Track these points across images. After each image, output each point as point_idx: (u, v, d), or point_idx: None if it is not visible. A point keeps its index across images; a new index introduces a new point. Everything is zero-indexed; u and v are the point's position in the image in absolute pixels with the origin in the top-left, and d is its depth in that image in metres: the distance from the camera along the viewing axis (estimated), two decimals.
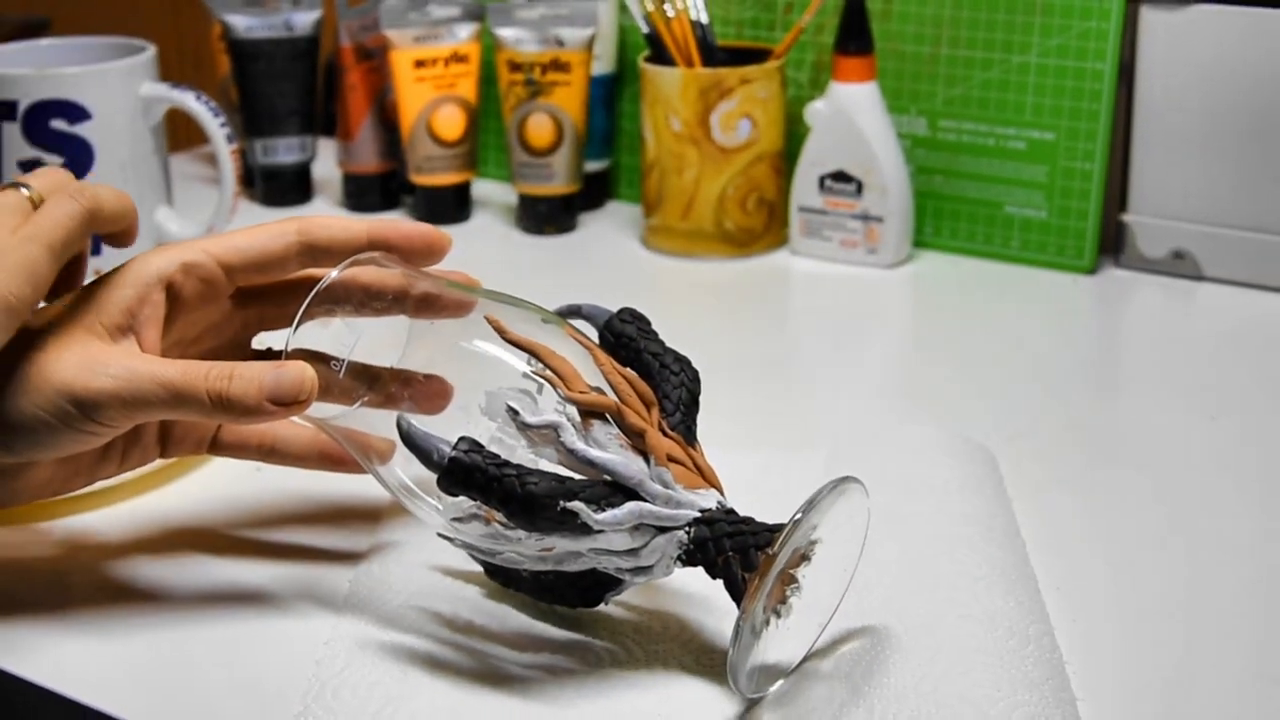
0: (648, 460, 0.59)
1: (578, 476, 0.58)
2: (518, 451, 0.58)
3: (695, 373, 0.64)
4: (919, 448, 0.74)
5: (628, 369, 0.62)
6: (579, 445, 0.58)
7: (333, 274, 0.62)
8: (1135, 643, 0.62)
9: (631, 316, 0.65)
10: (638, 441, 0.59)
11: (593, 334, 0.65)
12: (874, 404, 0.88)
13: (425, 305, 0.63)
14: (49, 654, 0.62)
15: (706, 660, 0.61)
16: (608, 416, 0.59)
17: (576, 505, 0.57)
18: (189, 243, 0.64)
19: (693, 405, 0.63)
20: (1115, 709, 0.58)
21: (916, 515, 0.68)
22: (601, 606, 0.63)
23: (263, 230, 0.65)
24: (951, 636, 0.59)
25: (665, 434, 0.60)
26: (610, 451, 0.58)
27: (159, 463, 0.70)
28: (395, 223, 0.66)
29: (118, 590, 0.67)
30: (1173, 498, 0.75)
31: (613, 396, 0.60)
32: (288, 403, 0.59)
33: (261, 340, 0.69)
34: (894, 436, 0.77)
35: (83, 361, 0.60)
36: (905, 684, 0.57)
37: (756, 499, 0.61)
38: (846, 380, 0.91)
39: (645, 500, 0.58)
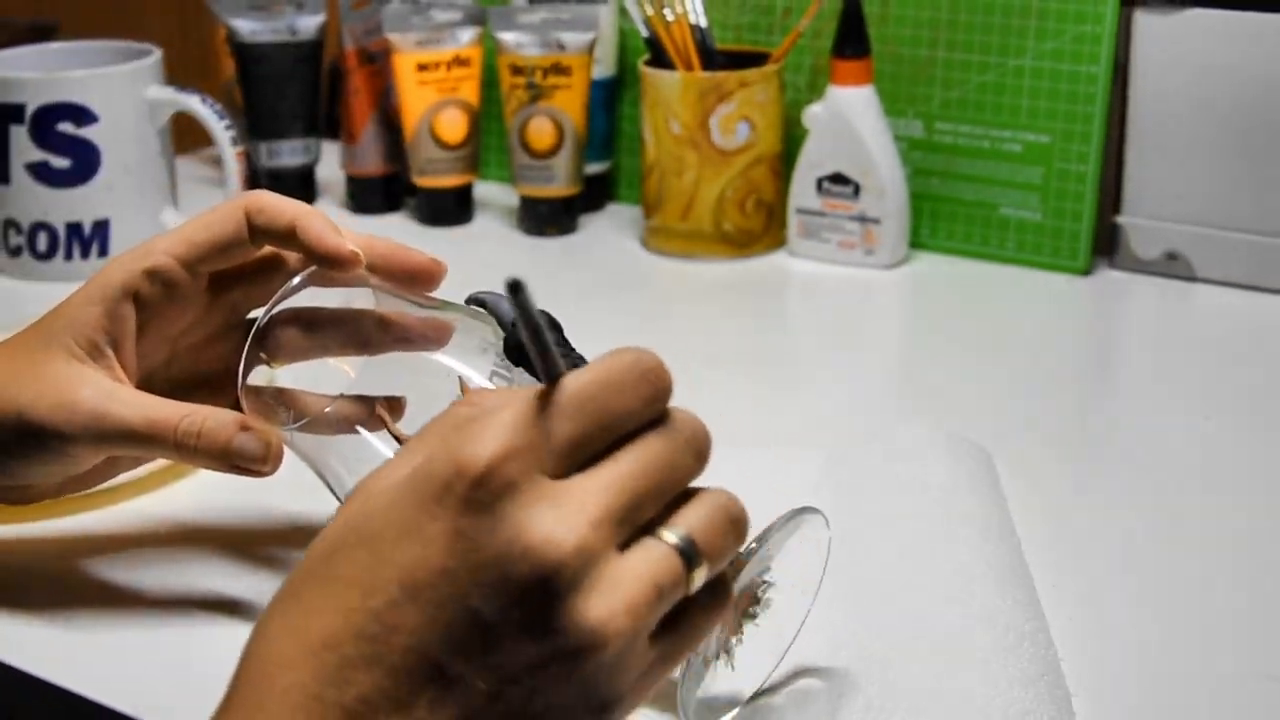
0: None
1: None
2: None
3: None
4: (916, 447, 0.74)
5: None
6: None
7: (295, 281, 0.61)
8: (1130, 639, 0.62)
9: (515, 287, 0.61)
10: None
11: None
12: (871, 403, 0.88)
13: (384, 330, 0.63)
14: (50, 648, 0.62)
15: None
16: None
17: None
18: (146, 245, 0.63)
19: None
20: (1110, 705, 0.58)
21: (914, 514, 0.68)
22: None
23: (210, 218, 0.63)
24: (949, 633, 0.59)
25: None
26: None
27: (159, 463, 0.71)
28: (313, 216, 0.62)
29: (119, 587, 0.67)
30: (1167, 496, 0.75)
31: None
32: (251, 462, 0.60)
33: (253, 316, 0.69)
34: (891, 436, 0.77)
35: (57, 402, 0.60)
36: (903, 680, 0.56)
37: (752, 497, 0.61)
38: (844, 380, 0.91)
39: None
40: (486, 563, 0.41)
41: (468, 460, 0.41)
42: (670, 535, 0.43)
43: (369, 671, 0.41)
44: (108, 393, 0.60)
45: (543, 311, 0.60)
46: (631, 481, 0.43)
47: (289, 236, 0.62)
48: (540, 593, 0.41)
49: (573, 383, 0.43)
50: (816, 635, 0.60)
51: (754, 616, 0.57)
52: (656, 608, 0.42)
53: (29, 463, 0.61)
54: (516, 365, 0.60)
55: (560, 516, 0.41)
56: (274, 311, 0.61)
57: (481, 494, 0.41)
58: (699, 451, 0.45)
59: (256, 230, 0.62)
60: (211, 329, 0.66)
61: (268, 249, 0.64)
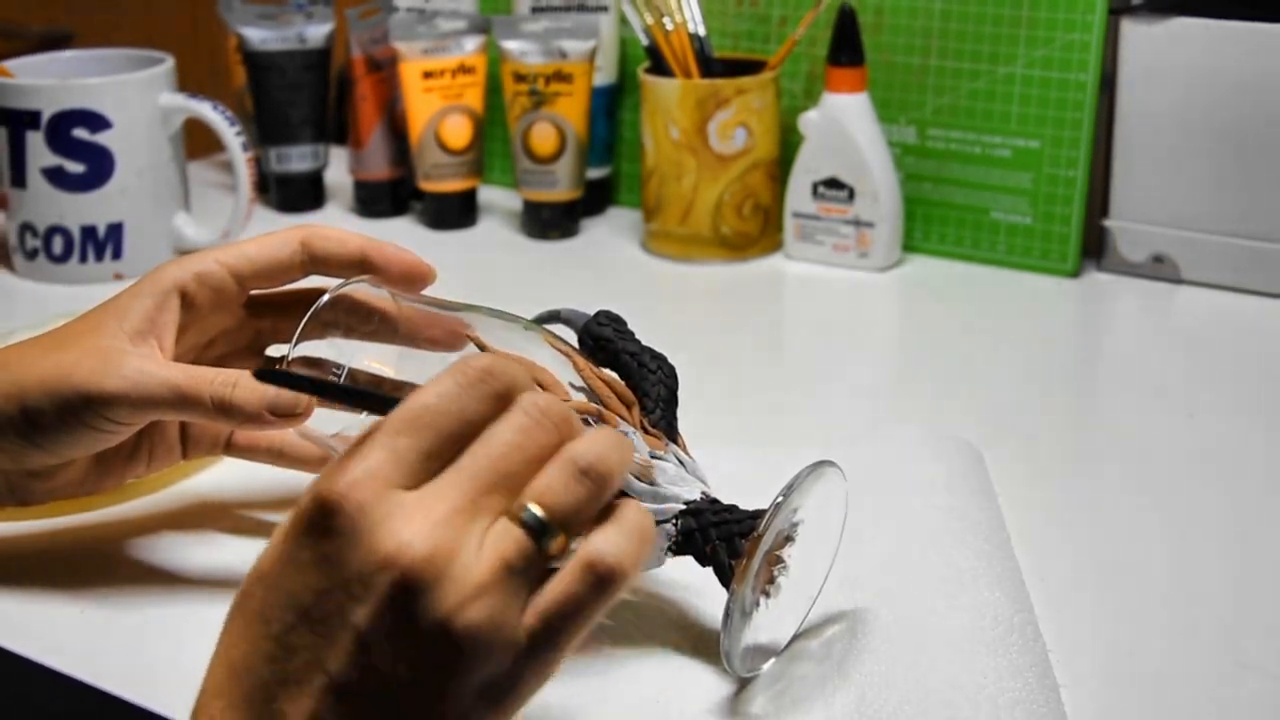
0: None
1: None
2: None
3: (672, 369, 0.63)
4: (908, 445, 0.75)
5: (606, 371, 0.62)
6: None
7: (325, 298, 0.62)
8: (1116, 631, 0.63)
9: (608, 319, 0.65)
10: None
11: (573, 338, 0.65)
12: (865, 402, 0.88)
13: (413, 333, 0.64)
14: (62, 638, 0.63)
15: (702, 644, 0.61)
16: (590, 420, 0.59)
17: None
18: (202, 253, 0.65)
19: (671, 400, 0.63)
20: (1097, 694, 0.58)
21: (906, 510, 0.68)
22: None
23: (270, 239, 0.66)
24: (940, 626, 0.59)
25: (646, 431, 0.60)
26: None
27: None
28: (384, 246, 0.66)
29: (131, 578, 0.67)
30: (1152, 492, 0.75)
31: (592, 402, 0.60)
32: (285, 414, 0.61)
33: (275, 351, 0.70)
34: (884, 434, 0.77)
35: (99, 365, 0.61)
36: (896, 671, 0.57)
37: (751, 495, 0.61)
38: (839, 379, 0.91)
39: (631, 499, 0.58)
40: (353, 579, 0.43)
41: (323, 492, 0.44)
42: (515, 510, 0.45)
43: (281, 688, 0.44)
44: (148, 357, 0.62)
45: (607, 311, 0.64)
46: (475, 475, 0.45)
47: (355, 262, 0.65)
48: (402, 596, 0.43)
49: (409, 401, 0.46)
50: (812, 623, 0.61)
51: (785, 566, 0.58)
52: (509, 584, 0.44)
53: (69, 432, 0.62)
54: (594, 352, 0.64)
55: (410, 523, 0.44)
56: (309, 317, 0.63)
57: (339, 520, 0.44)
58: (553, 426, 0.46)
59: (317, 257, 0.65)
60: (235, 347, 0.69)
61: (303, 283, 0.67)
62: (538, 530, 0.45)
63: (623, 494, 0.57)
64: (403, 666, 0.43)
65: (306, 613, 0.44)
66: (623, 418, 0.60)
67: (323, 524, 0.44)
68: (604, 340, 0.64)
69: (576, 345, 0.64)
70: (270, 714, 0.44)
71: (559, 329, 0.65)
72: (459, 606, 0.43)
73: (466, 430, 0.46)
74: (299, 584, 0.44)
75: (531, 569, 0.45)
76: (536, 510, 0.45)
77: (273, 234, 0.66)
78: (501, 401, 0.46)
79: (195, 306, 0.65)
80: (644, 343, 0.65)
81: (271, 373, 0.52)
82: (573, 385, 0.60)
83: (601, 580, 0.45)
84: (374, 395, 0.48)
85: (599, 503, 0.46)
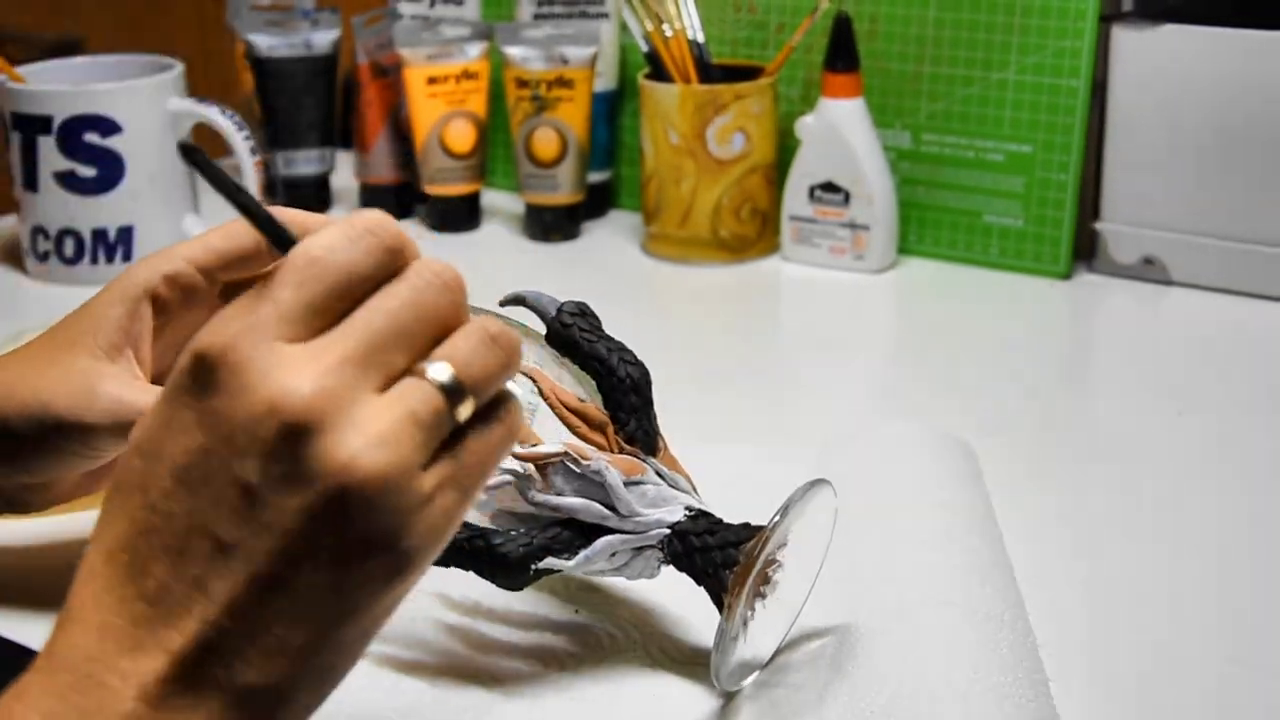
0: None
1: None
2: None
3: (643, 369, 0.60)
4: (902, 443, 0.75)
5: (569, 395, 0.59)
6: (540, 498, 0.57)
7: None
8: (1105, 626, 0.63)
9: (573, 314, 0.61)
10: (596, 477, 0.57)
11: (538, 323, 0.62)
12: (861, 402, 0.88)
13: None
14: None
15: (685, 655, 0.61)
16: (568, 463, 0.58)
17: (548, 563, 0.57)
18: (167, 250, 0.63)
19: (646, 406, 0.60)
20: (1086, 689, 0.58)
21: (900, 507, 0.68)
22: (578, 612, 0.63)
23: (232, 227, 0.63)
24: (932, 621, 0.59)
25: (623, 449, 0.59)
26: (568, 496, 0.57)
27: None
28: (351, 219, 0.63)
29: None
30: (1141, 489, 0.75)
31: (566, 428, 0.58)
32: None
33: None
34: (879, 432, 0.77)
35: (78, 392, 0.60)
36: (888, 665, 0.57)
37: (749, 492, 0.61)
38: (835, 379, 0.91)
39: (614, 532, 0.57)
40: (236, 430, 0.40)
41: (203, 347, 0.41)
42: (426, 369, 0.42)
43: (158, 561, 0.41)
44: (126, 383, 0.60)
45: (576, 302, 0.61)
46: (368, 328, 0.42)
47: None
48: (290, 443, 0.40)
49: (296, 251, 0.43)
50: (808, 617, 0.61)
51: (773, 584, 0.58)
52: (415, 436, 0.41)
53: (52, 457, 0.61)
54: (561, 352, 0.61)
55: (297, 370, 0.41)
56: None
57: (221, 374, 0.41)
58: (447, 287, 0.43)
59: None
60: None
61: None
62: (451, 391, 0.42)
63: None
64: (295, 521, 0.40)
65: (186, 473, 0.41)
66: (597, 445, 0.58)
67: (202, 379, 0.41)
68: (570, 343, 0.60)
69: (544, 330, 0.61)
70: (151, 588, 0.41)
71: (525, 314, 0.61)
72: (361, 449, 0.40)
73: (356, 286, 0.42)
74: (178, 446, 0.41)
75: (439, 430, 0.42)
76: (448, 369, 0.42)
77: (236, 221, 0.62)
78: (392, 256, 0.43)
79: (168, 309, 0.62)
80: (612, 336, 0.61)
81: (192, 150, 0.47)
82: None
83: (507, 427, 0.44)
84: (278, 227, 0.44)
85: (507, 374, 0.44)
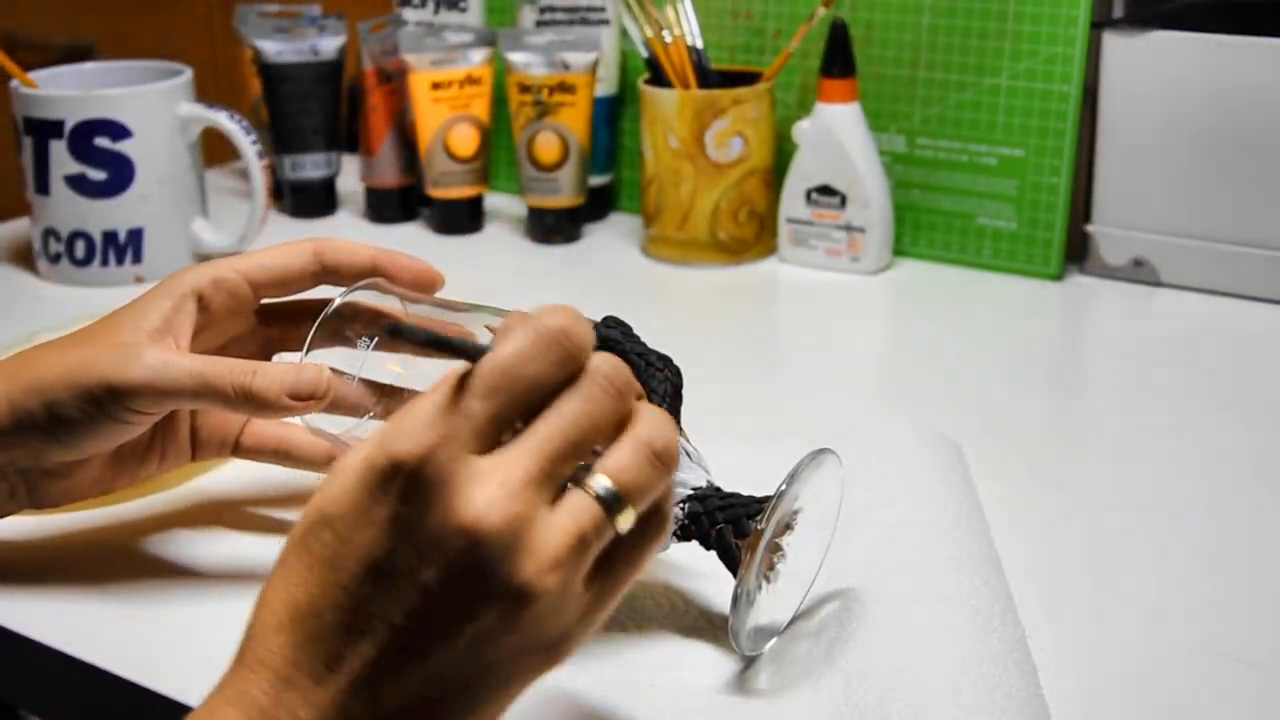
0: None
1: None
2: None
3: (677, 369, 0.64)
4: (894, 441, 0.75)
5: None
6: None
7: (333, 305, 0.63)
8: (1092, 619, 0.63)
9: (615, 323, 0.65)
10: None
11: None
12: (855, 401, 0.88)
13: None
14: (84, 628, 0.63)
15: (705, 622, 0.62)
16: None
17: None
18: (219, 261, 0.66)
19: (676, 397, 0.63)
20: (1074, 680, 0.58)
21: (891, 503, 0.68)
22: None
23: (284, 249, 0.66)
24: (923, 615, 0.59)
25: None
26: None
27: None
28: (395, 255, 0.66)
29: (150, 571, 0.68)
30: (1129, 487, 0.75)
31: None
32: (305, 398, 0.61)
33: (280, 359, 0.70)
34: (872, 430, 0.77)
35: (120, 357, 0.61)
36: (880, 658, 0.57)
37: (748, 487, 0.62)
38: (830, 379, 0.92)
39: None
40: (426, 540, 0.44)
41: (401, 455, 0.44)
42: (592, 484, 0.46)
43: (343, 635, 0.45)
44: (168, 349, 0.62)
45: (612, 316, 0.65)
46: (548, 444, 0.45)
47: (367, 271, 0.65)
48: (475, 562, 0.44)
49: (485, 364, 0.45)
50: (819, 587, 0.62)
51: (783, 553, 0.59)
52: (582, 555, 0.45)
53: (90, 426, 0.61)
54: None
55: (486, 492, 0.44)
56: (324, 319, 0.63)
57: (416, 485, 0.44)
58: (619, 394, 0.46)
59: (329, 267, 0.66)
60: (245, 353, 0.69)
61: (313, 293, 0.67)
62: (612, 505, 0.46)
63: None
64: (468, 626, 0.44)
65: (374, 566, 0.44)
66: None
67: (398, 484, 0.44)
68: (612, 342, 0.64)
69: None
70: (333, 656, 0.45)
71: None
72: (536, 575, 0.44)
73: (538, 393, 0.46)
74: (370, 538, 0.44)
75: (601, 544, 0.46)
76: (612, 486, 0.46)
77: (287, 244, 0.66)
78: (575, 365, 0.46)
79: (211, 310, 0.65)
80: (649, 345, 0.65)
81: (398, 328, 0.51)
82: None
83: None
84: (471, 347, 0.48)
85: (665, 484, 0.47)
